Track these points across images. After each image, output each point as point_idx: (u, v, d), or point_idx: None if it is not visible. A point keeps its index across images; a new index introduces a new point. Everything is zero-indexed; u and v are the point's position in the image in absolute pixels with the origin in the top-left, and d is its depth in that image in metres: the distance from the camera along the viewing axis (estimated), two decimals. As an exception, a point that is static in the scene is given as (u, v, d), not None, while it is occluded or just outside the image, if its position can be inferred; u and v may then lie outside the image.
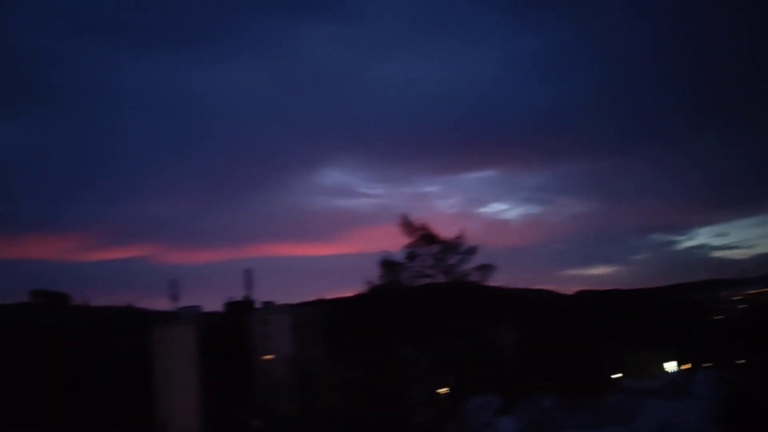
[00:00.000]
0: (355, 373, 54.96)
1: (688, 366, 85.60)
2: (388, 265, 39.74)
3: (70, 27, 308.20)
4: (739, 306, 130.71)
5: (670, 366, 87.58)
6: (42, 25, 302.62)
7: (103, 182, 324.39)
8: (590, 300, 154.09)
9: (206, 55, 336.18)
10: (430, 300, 39.11)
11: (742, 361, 68.18)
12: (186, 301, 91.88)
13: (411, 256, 39.28)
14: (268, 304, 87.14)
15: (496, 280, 41.36)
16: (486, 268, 38.85)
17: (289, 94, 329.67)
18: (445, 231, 39.82)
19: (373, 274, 40.99)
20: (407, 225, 39.40)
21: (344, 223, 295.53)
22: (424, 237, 39.06)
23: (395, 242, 40.70)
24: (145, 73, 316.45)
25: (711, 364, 77.69)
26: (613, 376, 77.07)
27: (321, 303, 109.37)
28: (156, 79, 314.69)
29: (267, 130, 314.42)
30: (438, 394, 43.12)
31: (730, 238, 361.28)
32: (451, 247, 38.82)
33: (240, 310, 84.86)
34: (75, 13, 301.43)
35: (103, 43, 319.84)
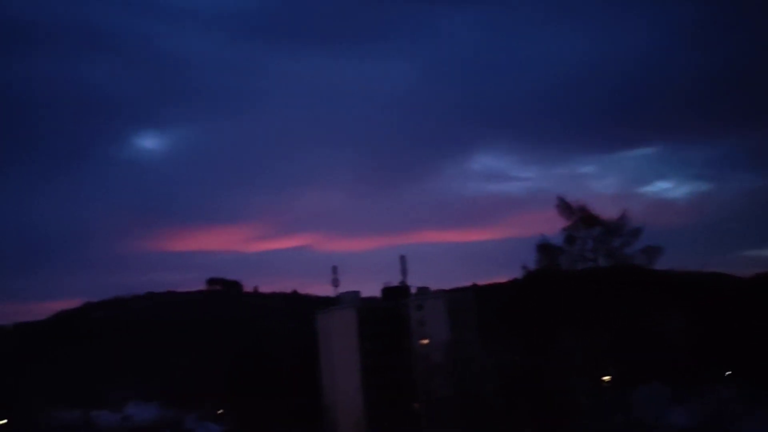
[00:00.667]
0: (512, 360, 54.41)
1: None
2: (545, 249, 38.86)
3: (225, 33, 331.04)
4: None
5: None
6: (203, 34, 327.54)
7: (268, 176, 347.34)
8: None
9: (354, 50, 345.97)
10: (591, 284, 37.68)
11: None
12: (346, 287, 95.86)
13: (570, 239, 38.08)
14: (423, 290, 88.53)
15: (663, 264, 39.07)
16: (652, 251, 36.79)
17: (437, 82, 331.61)
18: (606, 212, 38.19)
19: (529, 258, 40.30)
20: (565, 207, 38.22)
21: (497, 207, 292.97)
22: (584, 219, 37.65)
23: (551, 226, 39.73)
24: (296, 69, 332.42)
25: None
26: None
27: (475, 289, 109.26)
28: (307, 76, 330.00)
29: (418, 119, 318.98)
30: (602, 381, 41.57)
31: None
32: (614, 228, 37.11)
33: (396, 295, 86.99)
34: (231, 20, 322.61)
35: (255, 46, 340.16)
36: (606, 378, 42.02)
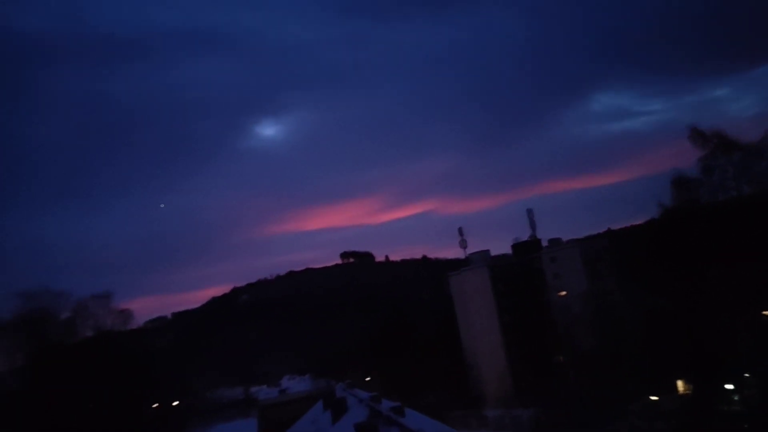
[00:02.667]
0: (658, 304, 51.71)
1: None
2: (681, 183, 36.27)
3: (330, 13, 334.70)
4: None
5: None
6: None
7: (387, 148, 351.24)
8: None
9: (461, 7, 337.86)
10: (737, 215, 34.71)
11: None
12: (475, 247, 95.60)
13: (707, 169, 35.27)
14: (555, 242, 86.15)
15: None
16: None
17: (547, 26, 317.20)
18: (746, 136, 34.87)
19: (665, 196, 37.76)
20: (698, 136, 35.42)
21: (624, 147, 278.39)
22: (721, 146, 34.67)
23: (685, 159, 37.09)
24: (405, 39, 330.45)
25: None
26: None
27: (610, 234, 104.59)
28: (416, 44, 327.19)
29: (530, 69, 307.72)
30: (763, 317, 38.42)
31: None
32: (756, 151, 33.86)
33: (528, 249, 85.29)
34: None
35: (361, 21, 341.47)
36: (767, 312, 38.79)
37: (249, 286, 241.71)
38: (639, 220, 77.99)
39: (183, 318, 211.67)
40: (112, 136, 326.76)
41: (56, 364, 56.58)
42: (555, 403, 57.97)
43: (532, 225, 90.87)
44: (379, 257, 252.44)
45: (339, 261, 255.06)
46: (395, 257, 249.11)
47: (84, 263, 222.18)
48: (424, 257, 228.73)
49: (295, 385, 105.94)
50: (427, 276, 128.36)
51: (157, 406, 64.43)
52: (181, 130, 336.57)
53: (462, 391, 72.74)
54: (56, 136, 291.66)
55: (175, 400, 68.32)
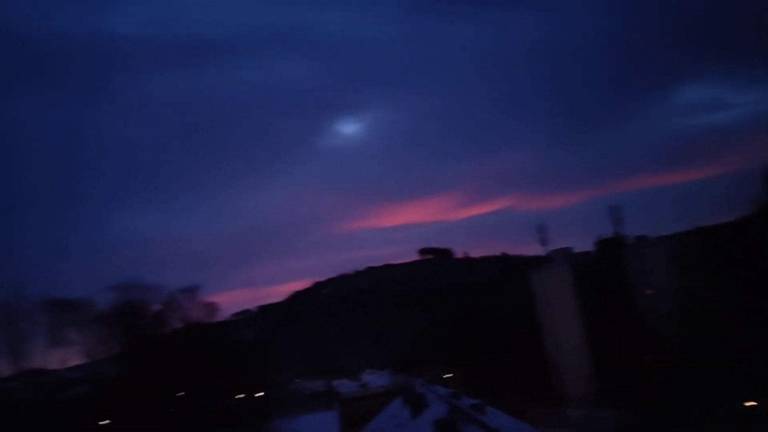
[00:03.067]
0: (753, 303, 49.09)
1: None
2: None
3: (401, 8, 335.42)
4: None
5: None
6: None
7: (464, 143, 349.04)
8: None
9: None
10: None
11: None
12: (556, 244, 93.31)
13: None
14: (641, 239, 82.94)
15: None
16: None
17: (627, 16, 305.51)
18: None
19: (758, 192, 35.63)
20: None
21: (713, 140, 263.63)
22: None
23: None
24: (478, 32, 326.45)
25: None
26: None
27: (699, 231, 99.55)
28: (490, 37, 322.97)
29: (612, 60, 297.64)
30: None
31: None
32: None
33: (612, 247, 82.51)
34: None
35: (432, 17, 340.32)
36: None
37: (329, 280, 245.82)
38: (730, 217, 73.90)
39: (267, 311, 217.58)
40: (199, 137, 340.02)
41: (149, 353, 59.56)
42: (641, 405, 56.04)
43: (616, 222, 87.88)
44: (458, 253, 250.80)
45: (418, 257, 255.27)
46: (475, 254, 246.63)
47: (174, 259, 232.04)
48: (504, 254, 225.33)
49: (375, 379, 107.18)
50: (507, 273, 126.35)
51: (242, 396, 66.62)
52: (263, 129, 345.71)
53: (543, 390, 71.44)
54: (148, 138, 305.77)
55: (260, 391, 70.42)
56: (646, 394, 57.99)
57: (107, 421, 55.97)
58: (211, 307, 68.53)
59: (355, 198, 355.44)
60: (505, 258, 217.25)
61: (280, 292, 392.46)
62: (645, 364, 67.28)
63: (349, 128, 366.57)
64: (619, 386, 63.76)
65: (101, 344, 62.26)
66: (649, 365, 66.45)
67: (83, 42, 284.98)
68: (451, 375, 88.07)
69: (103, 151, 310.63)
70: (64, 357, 62.37)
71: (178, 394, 58.65)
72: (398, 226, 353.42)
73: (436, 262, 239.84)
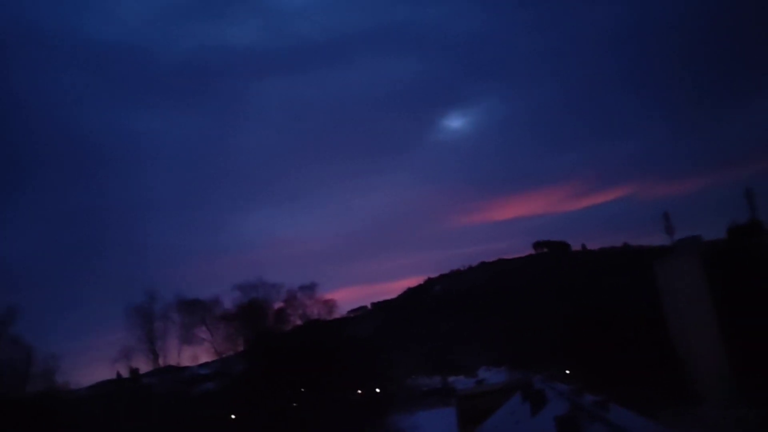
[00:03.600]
0: None
1: None
2: None
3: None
4: None
5: None
6: None
7: (579, 131, 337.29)
8: None
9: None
10: None
11: None
12: (683, 233, 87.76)
13: None
14: (781, 224, 76.39)
15: None
16: None
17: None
18: None
19: None
20: None
21: None
22: None
23: None
24: (594, 17, 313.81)
25: None
26: None
27: None
28: (604, 21, 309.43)
29: (739, 31, 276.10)
30: None
31: None
32: None
33: (747, 234, 76.47)
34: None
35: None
36: None
37: (442, 276, 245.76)
38: None
39: (381, 307, 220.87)
40: (312, 139, 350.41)
41: (271, 349, 61.86)
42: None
43: (752, 206, 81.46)
44: (575, 246, 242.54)
45: (532, 251, 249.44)
46: (593, 246, 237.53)
47: (293, 258, 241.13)
48: (625, 245, 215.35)
49: (492, 376, 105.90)
50: (629, 265, 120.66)
51: (360, 393, 67.74)
52: (373, 128, 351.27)
53: (672, 388, 67.45)
54: (264, 144, 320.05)
55: (377, 387, 71.34)
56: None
57: (235, 416, 58.82)
58: (329, 304, 70.20)
59: (467, 192, 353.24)
60: (626, 249, 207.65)
61: (393, 288, 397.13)
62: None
63: (457, 122, 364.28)
64: (759, 384, 59.04)
65: (228, 341, 65.43)
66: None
67: (201, 55, 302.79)
68: (570, 372, 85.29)
69: (224, 157, 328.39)
70: (195, 354, 66.12)
71: (299, 390, 60.50)
72: (511, 219, 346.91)
73: (552, 256, 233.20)
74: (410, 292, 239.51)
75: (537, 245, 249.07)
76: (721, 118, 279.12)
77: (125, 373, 66.33)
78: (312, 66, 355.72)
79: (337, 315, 75.27)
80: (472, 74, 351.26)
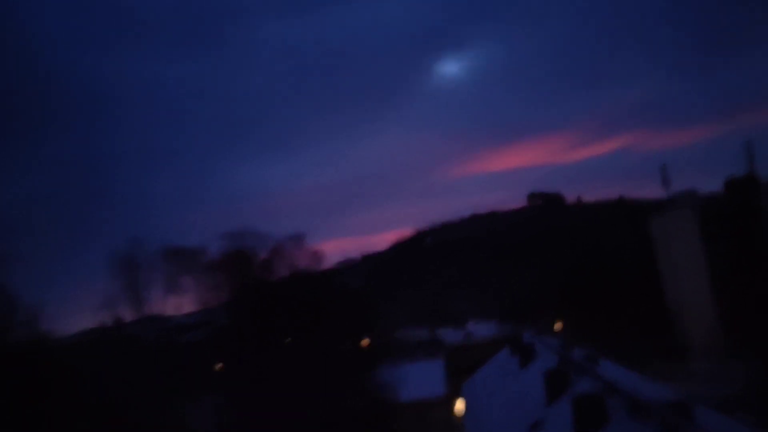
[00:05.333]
0: None
1: None
2: None
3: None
4: None
5: None
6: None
7: (575, 79, 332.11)
8: None
9: None
10: None
11: None
12: (680, 186, 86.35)
13: None
14: (777, 177, 74.98)
15: None
16: None
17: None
18: None
19: None
20: None
21: None
22: None
23: None
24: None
25: None
26: None
27: None
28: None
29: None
30: None
31: None
32: None
33: (744, 187, 75.15)
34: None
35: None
36: None
37: (433, 228, 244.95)
38: None
39: (371, 259, 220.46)
40: (305, 84, 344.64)
41: (256, 300, 60.72)
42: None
43: (751, 158, 79.67)
44: (570, 198, 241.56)
45: (526, 203, 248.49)
46: (588, 198, 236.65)
47: (281, 207, 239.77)
48: (621, 198, 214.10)
49: (481, 329, 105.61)
50: (625, 218, 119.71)
51: (348, 344, 67.05)
52: (366, 74, 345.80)
53: (664, 342, 67.16)
54: (257, 88, 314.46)
55: (365, 339, 70.72)
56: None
57: (220, 365, 58.10)
58: (317, 255, 68.70)
59: (459, 142, 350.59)
60: (621, 202, 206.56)
61: (383, 240, 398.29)
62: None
63: (452, 67, 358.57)
64: (749, 337, 58.62)
65: (213, 291, 64.22)
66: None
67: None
68: (561, 326, 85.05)
69: (213, 103, 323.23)
70: (179, 304, 65.07)
71: (285, 340, 59.69)
72: (505, 170, 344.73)
73: (546, 208, 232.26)
74: (401, 244, 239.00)
75: (531, 197, 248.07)
76: (722, 68, 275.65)
77: (109, 322, 65.32)
78: (305, 9, 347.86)
79: (325, 266, 74.04)
80: (467, 17, 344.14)
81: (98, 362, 59.13)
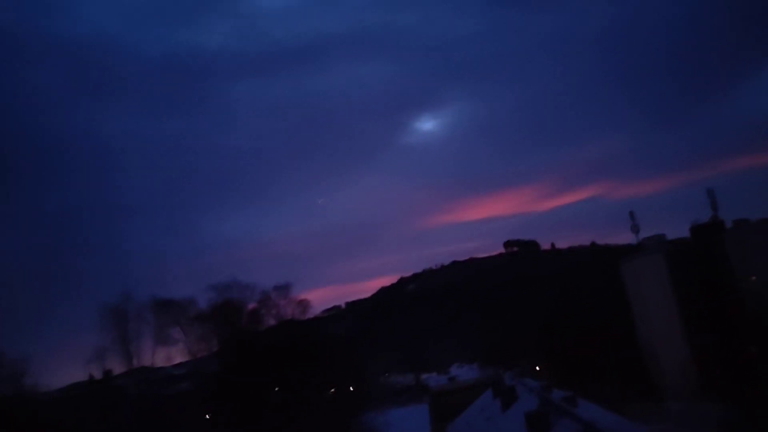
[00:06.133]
0: None
1: None
2: None
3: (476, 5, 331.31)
4: None
5: None
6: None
7: (546, 134, 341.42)
8: None
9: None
10: None
11: None
12: (648, 232, 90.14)
13: None
14: (741, 223, 78.77)
15: None
16: None
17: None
18: None
19: None
20: None
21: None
22: None
23: None
24: (559, 22, 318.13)
25: None
26: None
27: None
28: (568, 27, 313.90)
29: (702, 38, 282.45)
30: None
31: None
32: None
33: (709, 233, 78.75)
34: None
35: (504, 9, 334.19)
36: None
37: (415, 276, 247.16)
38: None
39: (355, 307, 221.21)
40: (285, 141, 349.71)
41: (245, 349, 61.99)
42: (745, 397, 53.38)
43: (714, 206, 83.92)
44: (545, 245, 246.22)
45: (503, 250, 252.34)
46: (561, 245, 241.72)
47: (267, 258, 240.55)
48: (593, 244, 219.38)
49: (464, 372, 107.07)
50: (597, 263, 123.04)
51: (334, 391, 68.19)
52: (345, 130, 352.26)
53: (638, 383, 69.33)
54: (237, 145, 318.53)
55: (351, 385, 71.84)
56: (751, 387, 55.20)
57: (209, 415, 58.85)
58: (303, 304, 70.26)
59: (439, 193, 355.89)
60: (594, 248, 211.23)
61: (367, 288, 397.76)
62: (749, 355, 64.07)
63: (429, 124, 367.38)
64: (722, 378, 60.97)
65: (202, 342, 65.20)
66: (754, 356, 63.22)
67: (173, 58, 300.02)
68: (540, 368, 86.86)
69: (196, 158, 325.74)
70: (169, 355, 65.76)
71: (273, 389, 60.74)
72: (482, 219, 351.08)
73: (522, 255, 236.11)
74: (384, 292, 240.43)
75: (507, 244, 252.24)
76: (686, 120, 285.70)
77: (98, 375, 65.75)
78: (286, 69, 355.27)
79: (311, 315, 75.45)
80: (443, 78, 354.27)
81: (85, 415, 59.61)
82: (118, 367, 64.41)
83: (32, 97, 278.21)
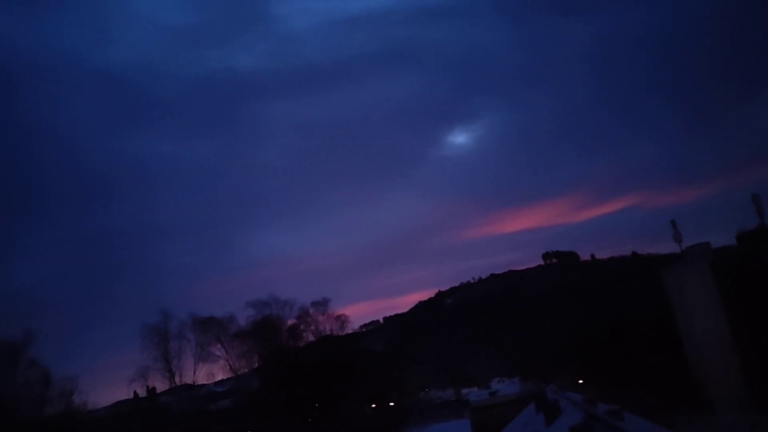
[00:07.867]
0: None
1: None
2: None
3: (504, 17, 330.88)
4: None
5: None
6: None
7: (583, 143, 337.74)
8: None
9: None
10: None
11: None
12: (691, 240, 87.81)
13: None
14: (789, 229, 76.42)
15: None
16: None
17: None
18: None
19: None
20: None
21: None
22: None
23: None
24: (592, 29, 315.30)
25: None
26: None
27: None
28: (603, 32, 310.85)
29: (745, 37, 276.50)
30: None
31: None
32: None
33: (756, 239, 76.50)
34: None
35: (538, 18, 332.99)
36: None
37: (452, 289, 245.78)
38: None
39: (393, 321, 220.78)
40: (320, 158, 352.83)
41: (286, 366, 62.52)
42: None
43: (760, 211, 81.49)
44: (584, 256, 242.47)
45: (541, 262, 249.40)
46: (601, 255, 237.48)
47: (306, 274, 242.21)
48: (634, 254, 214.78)
49: (505, 387, 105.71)
50: (639, 273, 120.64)
51: (374, 407, 68.18)
52: (380, 146, 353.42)
53: (685, 395, 67.51)
54: (274, 163, 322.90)
55: (391, 401, 71.73)
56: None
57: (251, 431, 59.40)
58: (341, 320, 70.89)
59: (473, 206, 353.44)
60: (635, 258, 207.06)
61: (404, 302, 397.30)
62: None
63: (461, 137, 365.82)
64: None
65: (243, 358, 66.10)
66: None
67: (209, 79, 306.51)
68: (582, 381, 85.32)
69: (235, 178, 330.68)
70: (211, 372, 66.82)
71: (314, 405, 61.04)
72: (518, 231, 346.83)
73: (561, 266, 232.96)
74: (422, 306, 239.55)
75: (546, 256, 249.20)
76: (728, 122, 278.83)
77: (142, 393, 67.04)
78: (319, 87, 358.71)
79: (349, 330, 75.94)
80: (474, 90, 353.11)
81: (131, 432, 60.65)
82: (161, 385, 65.74)
83: (74, 125, 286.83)
